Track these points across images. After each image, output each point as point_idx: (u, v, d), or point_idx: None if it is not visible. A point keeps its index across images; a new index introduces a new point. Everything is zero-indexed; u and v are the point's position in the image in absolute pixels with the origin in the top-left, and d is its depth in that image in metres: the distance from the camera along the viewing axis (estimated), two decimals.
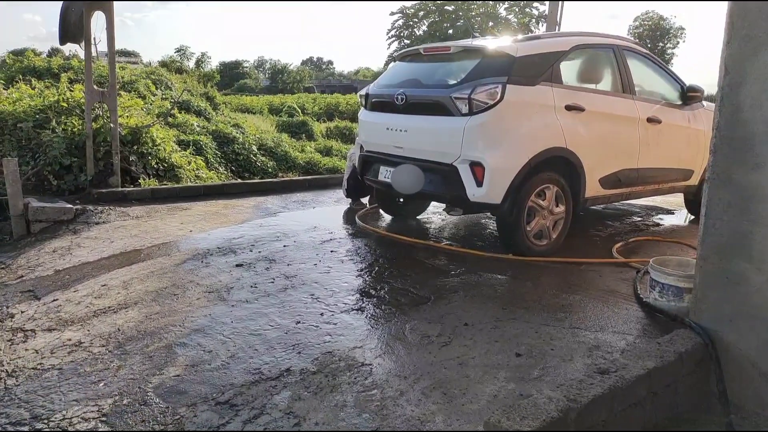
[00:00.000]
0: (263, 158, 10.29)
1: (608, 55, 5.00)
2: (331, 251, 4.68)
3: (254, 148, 10.38)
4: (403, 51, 5.24)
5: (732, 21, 2.70)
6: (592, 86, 4.84)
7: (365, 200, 6.53)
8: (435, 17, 10.34)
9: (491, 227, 5.54)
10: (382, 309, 3.51)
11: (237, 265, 4.31)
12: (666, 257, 3.58)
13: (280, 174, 10.03)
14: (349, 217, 6.01)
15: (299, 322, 3.32)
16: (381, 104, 5.00)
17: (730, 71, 2.72)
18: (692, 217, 6.13)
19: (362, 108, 5.34)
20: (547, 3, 9.35)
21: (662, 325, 3.23)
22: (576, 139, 4.48)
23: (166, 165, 7.22)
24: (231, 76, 67.66)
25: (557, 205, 4.54)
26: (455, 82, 4.41)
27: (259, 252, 4.64)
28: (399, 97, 4.63)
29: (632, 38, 5.32)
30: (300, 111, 19.83)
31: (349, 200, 6.55)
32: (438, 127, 4.37)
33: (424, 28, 10.55)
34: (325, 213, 6.22)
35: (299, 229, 5.38)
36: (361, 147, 5.33)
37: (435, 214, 6.07)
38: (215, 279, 4.04)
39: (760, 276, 2.68)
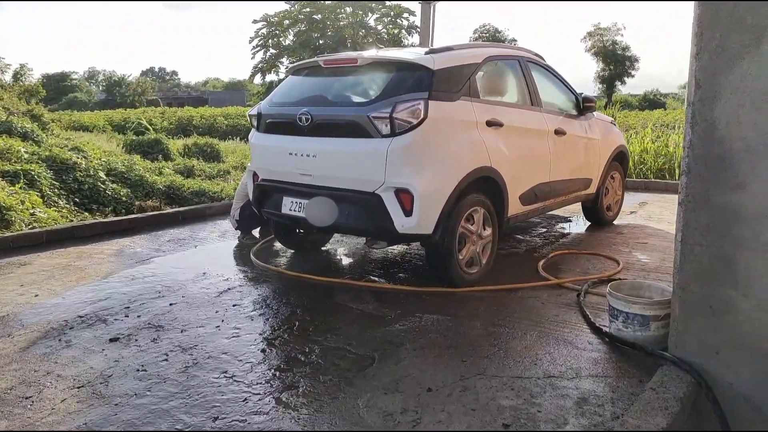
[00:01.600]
0: (114, 185, 8.88)
1: (515, 67, 4.80)
2: (234, 305, 3.89)
3: (102, 174, 8.92)
4: (297, 64, 4.59)
5: (701, 32, 2.47)
6: (505, 100, 4.60)
7: (256, 232, 5.75)
8: (302, 26, 9.84)
9: (406, 253, 5.08)
10: (321, 381, 2.85)
11: (111, 340, 3.36)
12: (620, 282, 3.36)
13: (138, 202, 8.74)
14: (242, 255, 5.20)
15: (217, 418, 2.55)
16: (279, 125, 4.31)
17: (702, 85, 2.49)
18: (589, 223, 6.22)
19: (253, 130, 4.60)
20: (418, 13, 9.19)
21: (634, 360, 2.97)
22: (498, 157, 4.18)
23: None
24: (57, 89, 60.92)
25: (485, 229, 4.20)
26: (369, 99, 3.88)
27: (139, 317, 3.72)
28: (303, 117, 3.99)
29: (531, 50, 5.17)
30: (150, 128, 18.02)
31: (238, 233, 5.72)
32: (355, 150, 3.80)
33: (291, 37, 10.02)
34: (212, 253, 5.33)
35: (185, 278, 4.49)
36: (255, 175, 4.58)
37: (338, 243, 5.48)
38: (84, 365, 3.07)
39: (748, 302, 2.48)
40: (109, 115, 30.49)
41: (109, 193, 8.44)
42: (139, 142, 14.79)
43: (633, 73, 56.01)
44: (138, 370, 3.00)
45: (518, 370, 2.89)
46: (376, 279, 4.38)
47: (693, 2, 2.45)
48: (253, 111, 4.53)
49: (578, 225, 6.32)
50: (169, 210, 6.93)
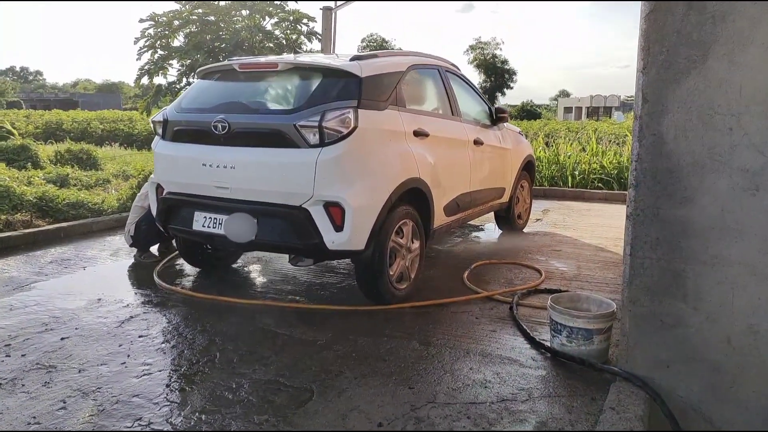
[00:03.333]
0: None
1: (436, 76, 4.71)
2: (140, 336, 3.41)
3: None
4: (208, 67, 4.16)
5: (648, 46, 2.47)
6: (429, 109, 4.49)
7: (154, 249, 5.19)
8: (194, 27, 9.13)
9: (327, 268, 4.80)
10: (257, 422, 2.51)
11: None
12: (558, 295, 3.32)
13: (4, 216, 7.64)
14: (141, 275, 4.63)
15: None
16: (190, 133, 3.86)
17: (650, 99, 2.50)
18: (501, 232, 6.31)
19: (158, 138, 4.09)
20: (318, 19, 8.94)
21: (581, 375, 2.93)
22: (425, 168, 4.05)
23: None
24: None
25: (413, 242, 4.04)
26: (294, 106, 3.58)
27: (23, 356, 3.13)
28: (219, 124, 3.59)
29: (448, 59, 5.13)
30: (16, 132, 16.11)
31: (133, 251, 5.12)
32: (280, 161, 3.48)
33: (182, 38, 9.29)
34: (106, 274, 4.70)
35: (76, 306, 3.89)
36: (159, 188, 4.09)
37: (249, 260, 5.07)
38: None
39: (697, 316, 2.51)
40: None
41: None
42: (2, 149, 13.09)
43: (511, 85, 59.58)
44: (29, 423, 2.49)
45: (470, 395, 2.74)
46: (299, 299, 4.07)
47: (640, 18, 2.45)
48: (158, 117, 4.03)
49: (491, 234, 6.39)
50: (48, 226, 6.08)
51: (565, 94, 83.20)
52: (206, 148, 3.70)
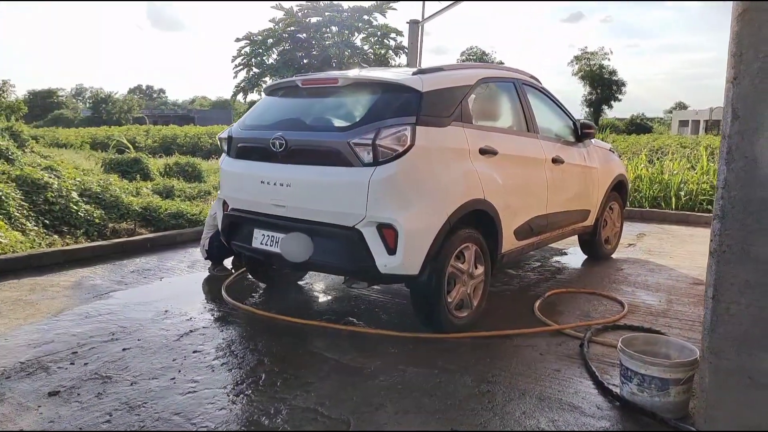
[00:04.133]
0: (87, 206, 8.37)
1: (510, 90, 4.44)
2: (195, 351, 3.43)
3: (74, 194, 8.41)
4: (273, 84, 4.19)
5: (740, 51, 2.11)
6: (500, 125, 4.23)
7: (228, 262, 5.30)
8: (286, 45, 9.57)
9: (390, 289, 4.65)
10: None
11: (51, 394, 2.89)
12: (632, 335, 2.94)
13: (111, 224, 8.24)
14: (211, 289, 4.74)
15: None
16: (251, 150, 3.89)
17: (741, 115, 2.13)
18: (585, 257, 5.84)
19: (224, 154, 4.17)
20: (405, 33, 8.88)
21: (650, 431, 2.55)
22: (492, 188, 3.79)
23: None
24: (44, 106, 60.22)
25: (476, 267, 3.79)
26: (350, 123, 3.48)
27: (86, 364, 3.25)
28: (277, 142, 3.57)
29: (527, 72, 4.83)
30: (131, 145, 17.51)
31: (208, 264, 5.26)
32: (334, 180, 3.39)
33: (275, 56, 9.74)
34: (178, 286, 4.85)
35: (144, 317, 4.02)
36: (225, 204, 4.15)
37: (316, 278, 5.03)
38: (14, 426, 2.59)
39: None
40: (92, 133, 29.99)
41: (82, 214, 7.91)
42: (118, 161, 14.25)
43: (620, 97, 56.60)
44: None
45: None
46: (356, 321, 3.93)
47: (731, 18, 2.09)
48: (224, 134, 4.11)
49: (575, 258, 5.93)
50: (136, 237, 6.43)
51: (681, 106, 77.69)
52: (265, 166, 3.70)
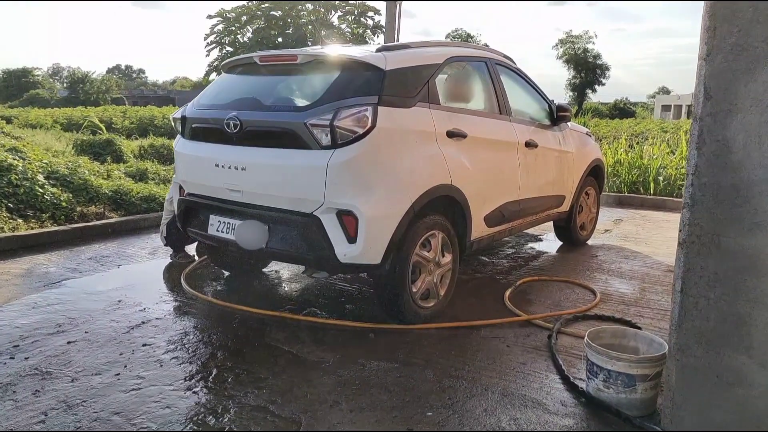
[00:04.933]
0: (54, 189, 8.06)
1: (482, 70, 4.25)
2: (144, 345, 3.24)
3: (40, 177, 8.08)
4: (231, 60, 3.95)
5: (713, 26, 1.94)
6: (470, 107, 4.05)
7: (192, 249, 5.09)
8: (261, 23, 9.20)
9: (359, 277, 4.48)
10: None
11: None
12: (599, 329, 2.81)
13: (79, 208, 7.95)
14: (171, 277, 4.53)
15: None
16: (205, 131, 3.67)
17: (713, 95, 1.97)
18: (560, 243, 5.72)
19: (179, 136, 3.94)
20: (383, 12, 8.61)
21: (615, 429, 2.42)
22: (460, 173, 3.62)
23: None
24: (19, 86, 58.59)
25: (443, 255, 3.63)
26: (308, 103, 3.27)
27: (26, 359, 3.05)
28: (231, 122, 3.36)
29: (500, 51, 4.64)
30: (104, 127, 17.04)
31: (170, 250, 5.04)
32: (290, 164, 3.19)
33: (249, 34, 9.38)
34: (136, 274, 4.63)
35: (95, 307, 3.81)
36: (181, 188, 3.94)
37: (281, 266, 4.84)
38: None
39: (765, 374, 1.96)
40: (68, 113, 29.19)
41: (48, 198, 7.59)
42: (90, 143, 13.83)
43: (603, 81, 56.64)
44: None
45: None
46: (318, 312, 3.76)
47: None
48: (177, 114, 3.88)
49: (549, 245, 5.81)
50: (96, 222, 6.19)
51: (665, 91, 77.96)
52: (220, 148, 3.49)
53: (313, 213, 3.15)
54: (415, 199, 3.26)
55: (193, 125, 3.73)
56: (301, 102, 3.35)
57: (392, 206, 3.18)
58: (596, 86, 56.80)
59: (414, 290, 3.43)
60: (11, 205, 7.22)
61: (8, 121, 17.81)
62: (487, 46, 4.90)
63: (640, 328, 3.33)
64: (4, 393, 2.71)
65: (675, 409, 2.16)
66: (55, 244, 5.48)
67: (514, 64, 4.76)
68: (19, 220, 6.67)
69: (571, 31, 67.18)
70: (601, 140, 12.99)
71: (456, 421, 2.49)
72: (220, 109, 3.56)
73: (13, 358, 3.06)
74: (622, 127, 20.80)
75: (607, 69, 56.41)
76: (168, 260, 4.97)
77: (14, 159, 8.13)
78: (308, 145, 3.12)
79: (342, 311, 3.80)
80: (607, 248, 5.67)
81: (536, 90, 4.91)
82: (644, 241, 5.99)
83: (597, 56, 56.14)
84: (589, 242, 5.84)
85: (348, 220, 3.10)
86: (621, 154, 9.72)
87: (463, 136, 3.68)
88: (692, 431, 2.11)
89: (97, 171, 9.61)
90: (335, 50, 3.55)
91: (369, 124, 3.08)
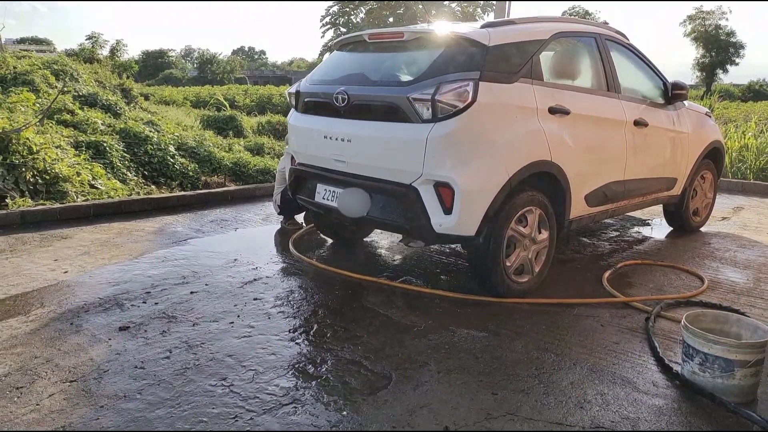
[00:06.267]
0: (183, 160, 8.91)
1: (590, 46, 4.14)
2: (255, 299, 3.58)
3: (171, 148, 8.97)
4: (342, 38, 4.16)
5: None
6: (575, 83, 3.97)
7: (300, 217, 5.45)
8: (373, 4, 9.47)
9: (455, 251, 4.59)
10: (325, 402, 2.47)
11: (121, 329, 3.14)
12: (698, 311, 2.73)
13: (204, 177, 8.73)
14: (280, 241, 4.91)
15: None
16: (316, 105, 3.92)
17: None
18: (671, 229, 5.45)
19: (292, 109, 4.24)
20: None
21: (710, 414, 2.37)
22: (561, 150, 3.59)
23: (48, 177, 5.81)
24: (156, 65, 64.02)
25: (540, 232, 3.64)
26: (412, 78, 3.40)
27: (156, 304, 3.49)
28: (339, 97, 3.57)
29: (613, 27, 4.47)
30: (228, 104, 18.28)
31: (281, 218, 5.44)
32: (392, 136, 3.35)
33: (362, 15, 9.68)
34: (250, 237, 5.07)
35: (214, 263, 4.24)
36: (293, 158, 4.24)
37: (382, 236, 5.06)
38: (85, 356, 2.85)
39: None
40: (196, 91, 31.48)
41: (177, 167, 8.45)
42: (215, 118, 14.97)
43: (737, 60, 51.45)
44: (136, 367, 2.75)
45: (559, 413, 2.38)
46: (414, 280, 3.93)
47: None
48: (293, 89, 4.16)
49: (658, 230, 5.55)
50: (218, 189, 6.76)
51: None
52: (328, 121, 3.72)
53: (412, 184, 3.30)
54: (513, 174, 3.30)
55: (305, 99, 4.00)
56: (405, 77, 3.48)
57: (489, 180, 3.24)
58: (728, 66, 51.72)
59: (508, 264, 3.49)
60: (146, 173, 8.10)
61: (146, 97, 19.56)
62: (606, 23, 4.73)
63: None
64: (137, 331, 3.13)
65: None
66: (183, 207, 6.08)
67: (627, 39, 4.56)
68: (153, 186, 7.47)
69: (702, 6, 61.54)
70: (727, 123, 11.95)
71: (541, 390, 2.55)
72: (330, 84, 3.79)
73: (145, 303, 3.51)
74: (755, 110, 18.93)
75: (742, 47, 51.12)
76: (278, 226, 5.37)
77: (150, 131, 9.04)
78: (410, 119, 3.25)
79: (436, 281, 3.94)
80: (723, 236, 5.32)
81: (650, 67, 4.69)
82: (766, 230, 5.54)
83: (730, 33, 51.00)
84: (703, 229, 5.51)
85: (445, 192, 3.21)
86: (749, 138, 8.93)
87: (566, 112, 3.64)
88: None
89: (220, 144, 10.44)
90: (441, 27, 3.63)
91: (470, 99, 3.15)
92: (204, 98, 26.85)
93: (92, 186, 6.44)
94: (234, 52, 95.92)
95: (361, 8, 9.53)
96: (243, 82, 50.45)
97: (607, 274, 4.01)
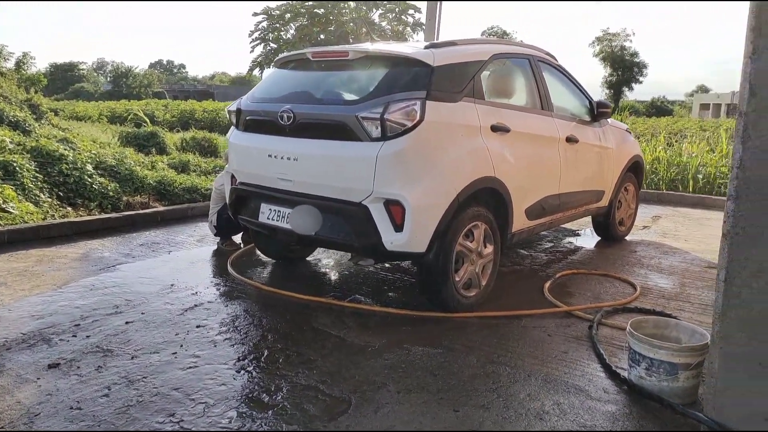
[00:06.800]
0: (102, 179, 8.42)
1: (525, 67, 4.31)
2: (198, 326, 3.42)
3: (89, 167, 8.44)
4: (284, 56, 4.10)
5: (759, 26, 1.99)
6: (513, 102, 4.12)
7: (238, 238, 5.28)
8: (304, 20, 9.42)
9: (399, 267, 4.60)
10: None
11: (51, 366, 2.89)
12: (642, 318, 2.87)
13: (125, 197, 8.27)
14: (218, 264, 4.73)
15: None
16: (259, 123, 3.83)
17: (758, 92, 2.02)
18: (599, 238, 5.74)
19: (233, 127, 4.12)
20: (423, 9, 8.70)
21: (659, 417, 2.49)
22: (503, 166, 3.70)
23: None
24: (65, 79, 60.59)
25: (485, 246, 3.72)
26: (359, 97, 3.40)
27: (88, 337, 3.25)
28: (285, 115, 3.51)
29: (543, 48, 4.69)
30: (149, 120, 17.55)
31: (218, 239, 5.25)
32: (341, 155, 3.32)
33: (293, 31, 9.62)
34: (186, 260, 4.84)
35: (149, 290, 4.02)
36: (233, 177, 4.11)
37: (325, 254, 5.00)
38: (11, 399, 2.60)
39: None
40: (111, 106, 30.03)
41: (96, 187, 7.94)
42: (134, 135, 14.28)
43: (641, 79, 55.40)
44: (72, 408, 2.54)
45: (521, 426, 2.41)
46: (363, 299, 3.90)
47: None
48: (233, 106, 4.05)
49: (587, 240, 5.83)
50: (147, 210, 6.45)
51: (703, 89, 75.74)
52: (273, 139, 3.65)
53: (362, 202, 3.28)
54: (460, 190, 3.36)
55: (247, 117, 3.90)
56: (352, 96, 3.48)
57: (438, 197, 3.28)
58: (633, 84, 55.60)
59: (457, 279, 3.54)
60: (61, 194, 7.55)
61: (56, 113, 18.46)
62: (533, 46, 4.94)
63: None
64: (69, 368, 2.90)
65: (717, 397, 2.21)
66: (108, 231, 5.74)
67: (556, 60, 4.80)
68: (69, 208, 6.99)
69: (608, 28, 65.91)
70: (638, 138, 12.80)
71: (501, 404, 2.59)
72: (273, 102, 3.72)
73: (75, 336, 3.26)
74: (660, 126, 20.41)
75: (645, 67, 55.18)
76: (215, 247, 5.18)
77: (65, 149, 8.48)
78: (359, 137, 3.25)
79: (385, 298, 3.93)
80: (646, 244, 5.66)
81: (577, 87, 4.95)
82: (683, 237, 5.96)
83: (634, 54, 54.94)
84: (628, 238, 5.84)
85: (395, 210, 3.21)
86: (660, 151, 9.61)
87: (507, 130, 3.76)
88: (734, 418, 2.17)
89: (142, 162, 9.95)
90: (385, 47, 3.67)
91: (417, 118, 3.19)
92: (120, 113, 25.65)
93: (3, 210, 5.96)
94: (151, 66, 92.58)
95: (291, 24, 9.48)
96: (162, 96, 48.68)
97: (547, 285, 4.15)
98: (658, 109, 47.90)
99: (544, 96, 4.32)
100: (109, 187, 7.99)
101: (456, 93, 3.47)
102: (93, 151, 9.15)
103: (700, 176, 8.70)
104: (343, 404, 2.59)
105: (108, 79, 70.09)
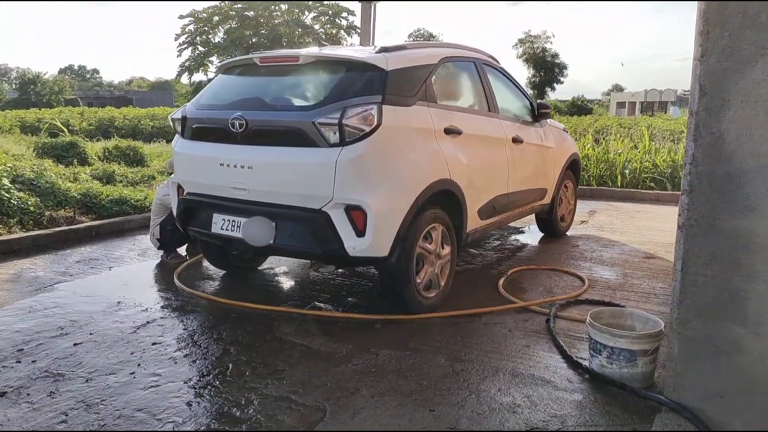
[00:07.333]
0: (20, 194, 7.86)
1: (471, 69, 4.42)
2: (154, 344, 3.28)
3: (6, 181, 7.85)
4: (229, 61, 4.00)
5: (707, 29, 2.14)
6: (463, 105, 4.21)
7: (182, 250, 5.10)
8: (233, 23, 9.15)
9: (354, 272, 4.59)
10: None
11: None
12: (599, 310, 3.01)
13: (48, 212, 7.75)
14: (165, 278, 4.54)
15: None
16: (208, 131, 3.71)
17: (708, 92, 2.16)
18: (542, 234, 5.96)
19: (177, 136, 3.97)
20: (357, 12, 8.73)
21: (621, 401, 2.62)
22: (457, 168, 3.78)
23: None
24: None
25: (443, 247, 3.78)
26: (314, 102, 3.37)
27: (34, 362, 3.04)
28: (236, 122, 3.42)
29: (486, 51, 4.82)
30: (66, 129, 16.60)
31: (161, 252, 5.04)
32: (298, 161, 3.28)
33: (222, 35, 9.34)
34: (129, 276, 4.62)
35: (95, 309, 3.81)
36: (179, 188, 3.97)
37: (277, 262, 4.91)
38: None
39: (759, 342, 2.17)
40: (20, 115, 28.17)
41: (15, 202, 7.37)
42: (52, 146, 13.42)
43: (562, 79, 57.99)
44: None
45: (496, 420, 2.47)
46: (322, 306, 3.87)
47: None
48: (177, 114, 3.91)
49: (531, 236, 6.04)
50: (79, 225, 6.10)
51: (618, 88, 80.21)
52: (224, 147, 3.55)
53: (322, 209, 3.25)
54: (419, 193, 3.40)
55: (194, 125, 3.77)
56: (306, 102, 3.44)
57: (398, 200, 3.31)
58: (555, 84, 58.15)
59: (418, 281, 3.57)
60: None
61: None
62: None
63: None
64: (18, 396, 2.71)
65: (677, 379, 2.35)
66: (39, 249, 5.40)
67: (498, 63, 4.95)
68: None
69: (530, 30, 68.55)
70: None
71: (473, 400, 2.64)
72: (222, 109, 3.62)
73: (20, 362, 3.05)
74: (584, 124, 21.44)
75: (565, 68, 57.82)
76: (159, 260, 4.97)
77: None
78: (316, 143, 3.22)
79: (344, 304, 3.91)
80: (586, 238, 5.94)
81: (519, 88, 5.12)
82: (619, 230, 6.29)
83: (555, 55, 57.47)
84: (569, 233, 6.10)
85: (356, 215, 3.21)
86: (588, 149, 10.10)
87: (459, 132, 3.84)
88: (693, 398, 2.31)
89: (64, 174, 9.36)
90: (336, 51, 3.65)
91: (375, 122, 3.19)
92: (31, 123, 24.13)
93: None
94: (61, 71, 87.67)
95: (220, 27, 9.22)
96: (76, 104, 46.15)
97: (501, 282, 4.27)
98: (579, 107, 50.24)
99: (490, 98, 4.45)
100: (29, 202, 7.43)
101: (410, 97, 3.50)
102: (8, 164, 8.51)
103: (627, 171, 9.22)
104: (318, 412, 2.56)
105: (14, 86, 65.73)
